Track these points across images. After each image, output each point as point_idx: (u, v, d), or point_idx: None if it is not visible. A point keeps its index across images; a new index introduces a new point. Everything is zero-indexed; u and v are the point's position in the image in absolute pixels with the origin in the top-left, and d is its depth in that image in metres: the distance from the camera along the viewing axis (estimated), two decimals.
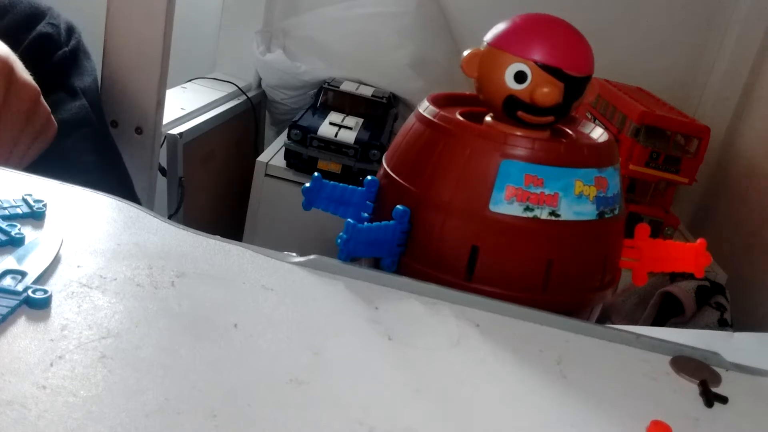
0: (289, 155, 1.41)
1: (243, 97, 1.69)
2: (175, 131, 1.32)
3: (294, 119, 1.44)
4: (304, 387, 0.35)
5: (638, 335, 0.46)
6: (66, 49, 0.80)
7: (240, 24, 1.75)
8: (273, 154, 1.48)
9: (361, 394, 0.36)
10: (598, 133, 0.58)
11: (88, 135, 0.81)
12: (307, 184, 0.55)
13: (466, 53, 0.53)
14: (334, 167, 1.40)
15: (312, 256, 0.47)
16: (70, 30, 0.83)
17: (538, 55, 0.50)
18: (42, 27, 0.76)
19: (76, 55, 0.83)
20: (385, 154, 0.58)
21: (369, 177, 0.57)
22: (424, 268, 0.52)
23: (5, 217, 0.44)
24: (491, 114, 0.56)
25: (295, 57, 1.70)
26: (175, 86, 1.59)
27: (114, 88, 0.94)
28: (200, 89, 1.64)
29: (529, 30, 0.51)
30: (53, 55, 0.78)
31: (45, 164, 0.67)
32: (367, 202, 0.56)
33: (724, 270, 1.36)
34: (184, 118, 1.41)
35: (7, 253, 0.40)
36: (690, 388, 0.42)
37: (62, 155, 0.75)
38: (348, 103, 1.56)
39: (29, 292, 0.37)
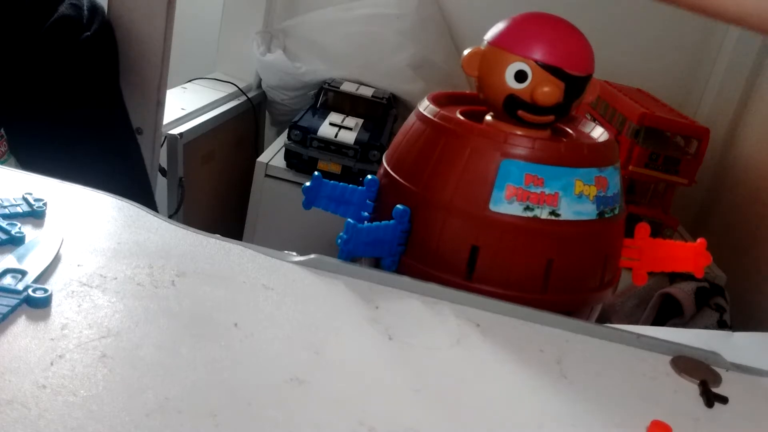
0: (289, 156, 1.41)
1: (243, 98, 1.68)
2: (176, 131, 1.31)
3: (294, 120, 1.44)
4: (304, 386, 0.35)
5: (639, 335, 0.46)
6: (88, 33, 0.78)
7: (240, 24, 1.75)
8: (273, 154, 1.48)
9: (361, 394, 0.36)
10: (599, 133, 0.58)
11: (116, 119, 0.80)
12: (308, 183, 0.55)
13: (466, 52, 0.53)
14: (334, 168, 1.40)
15: (312, 256, 0.47)
16: (94, 9, 0.81)
17: (538, 54, 0.50)
18: (64, 8, 0.74)
19: (100, 38, 0.81)
20: (385, 153, 0.58)
21: (369, 176, 0.57)
22: (424, 267, 0.52)
23: (5, 216, 0.44)
24: (491, 113, 0.56)
25: (296, 58, 1.69)
26: (176, 86, 1.59)
27: None
28: (200, 90, 1.64)
29: (529, 29, 0.51)
30: (76, 38, 0.76)
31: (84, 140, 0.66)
32: (368, 201, 0.56)
33: (723, 271, 1.36)
34: (184, 118, 1.41)
35: (7, 252, 0.40)
36: (690, 388, 0.42)
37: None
38: (348, 104, 1.56)
39: (29, 291, 0.37)
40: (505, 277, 0.51)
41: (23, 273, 0.38)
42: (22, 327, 0.35)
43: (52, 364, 0.33)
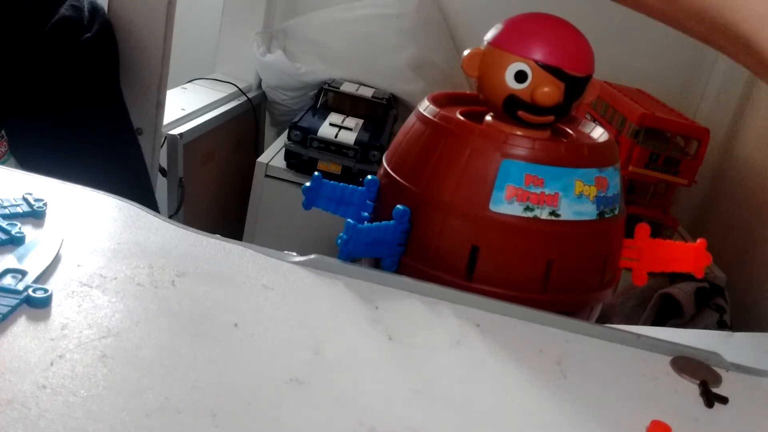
0: (289, 156, 1.41)
1: (243, 98, 1.69)
2: (176, 132, 1.32)
3: (294, 120, 1.44)
4: (304, 386, 0.35)
5: (639, 335, 0.46)
6: (88, 34, 0.78)
7: (240, 25, 1.76)
8: (273, 154, 1.48)
9: (361, 394, 0.36)
10: (599, 133, 0.58)
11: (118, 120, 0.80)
12: (308, 184, 0.55)
13: (466, 52, 0.53)
14: (334, 168, 1.40)
15: (312, 256, 0.47)
16: (94, 11, 0.82)
17: (538, 55, 0.50)
18: (64, 10, 0.75)
19: (100, 39, 0.81)
20: (385, 154, 0.58)
21: (369, 176, 0.57)
22: (424, 267, 0.52)
23: (6, 216, 0.44)
24: (492, 113, 0.56)
25: (296, 58, 1.70)
26: (176, 87, 1.59)
27: None
28: (200, 90, 1.64)
29: (529, 29, 0.51)
30: (77, 39, 0.76)
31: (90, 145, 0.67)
32: (368, 201, 0.56)
33: (723, 271, 1.36)
34: (184, 118, 1.41)
35: (7, 252, 0.40)
36: (690, 389, 0.42)
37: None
38: (348, 104, 1.56)
39: (30, 291, 0.37)
40: (505, 278, 0.51)
41: (23, 273, 0.38)
42: (22, 327, 0.35)
43: (52, 364, 0.33)
